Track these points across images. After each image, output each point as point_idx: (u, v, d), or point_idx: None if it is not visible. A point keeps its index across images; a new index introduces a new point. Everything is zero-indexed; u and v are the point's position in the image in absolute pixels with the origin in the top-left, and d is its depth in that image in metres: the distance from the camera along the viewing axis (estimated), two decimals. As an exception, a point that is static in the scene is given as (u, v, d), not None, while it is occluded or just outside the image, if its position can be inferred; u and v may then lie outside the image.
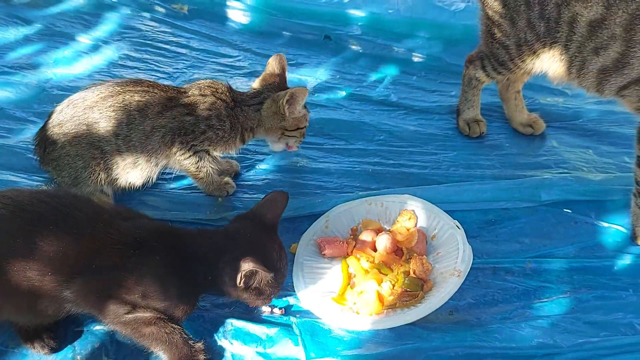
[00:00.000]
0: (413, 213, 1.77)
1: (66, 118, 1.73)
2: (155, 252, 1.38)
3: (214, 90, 1.80)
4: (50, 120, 1.76)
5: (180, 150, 1.75)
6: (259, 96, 1.83)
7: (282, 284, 1.50)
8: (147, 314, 1.36)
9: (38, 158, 1.81)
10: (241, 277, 1.38)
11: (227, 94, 1.81)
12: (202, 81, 1.82)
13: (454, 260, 1.61)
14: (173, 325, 1.40)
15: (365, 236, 1.72)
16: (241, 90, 1.87)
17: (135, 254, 1.36)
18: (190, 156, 1.77)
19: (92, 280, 1.33)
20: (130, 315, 1.35)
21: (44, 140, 1.77)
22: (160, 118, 1.72)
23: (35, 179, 1.87)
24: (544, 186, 1.91)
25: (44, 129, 1.78)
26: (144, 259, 1.36)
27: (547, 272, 1.69)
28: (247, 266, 1.36)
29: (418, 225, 1.75)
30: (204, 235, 1.48)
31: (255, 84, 1.88)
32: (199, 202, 1.87)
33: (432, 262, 1.65)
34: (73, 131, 1.72)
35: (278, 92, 1.80)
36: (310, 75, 2.44)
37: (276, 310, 1.56)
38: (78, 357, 1.44)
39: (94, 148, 1.72)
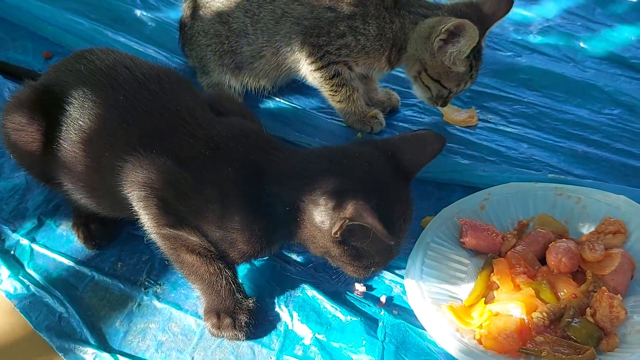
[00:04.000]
0: (624, 226, 1.13)
1: None
2: (228, 162, 1.01)
3: None
4: (194, -8, 1.50)
5: (311, 56, 1.34)
6: (432, 10, 1.32)
7: (394, 257, 1.03)
8: (193, 238, 1.02)
9: (180, 37, 1.58)
10: (341, 225, 0.93)
11: None
12: None
13: (670, 318, 0.96)
14: (221, 265, 1.04)
15: (536, 237, 1.14)
16: None
17: (205, 155, 1.02)
18: (323, 67, 1.35)
19: (145, 167, 1.02)
20: (171, 230, 1.02)
21: (185, 16, 1.53)
22: (295, 2, 1.33)
23: (177, 61, 1.65)
24: None
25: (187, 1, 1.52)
26: (213, 166, 1.01)
27: None
28: (352, 211, 0.91)
29: (628, 248, 1.11)
30: (302, 153, 1.07)
31: (451, 2, 1.37)
32: (334, 131, 1.47)
33: (629, 309, 1.02)
34: (207, 2, 1.44)
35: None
36: (537, 14, 1.81)
37: (382, 298, 1.11)
38: (119, 263, 1.18)
39: (220, 24, 1.42)
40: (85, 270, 1.16)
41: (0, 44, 1.72)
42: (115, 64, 1.11)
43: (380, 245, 0.98)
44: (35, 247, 1.19)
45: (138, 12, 1.83)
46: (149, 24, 1.80)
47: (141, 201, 1.02)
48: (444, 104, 1.39)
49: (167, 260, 1.09)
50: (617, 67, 1.63)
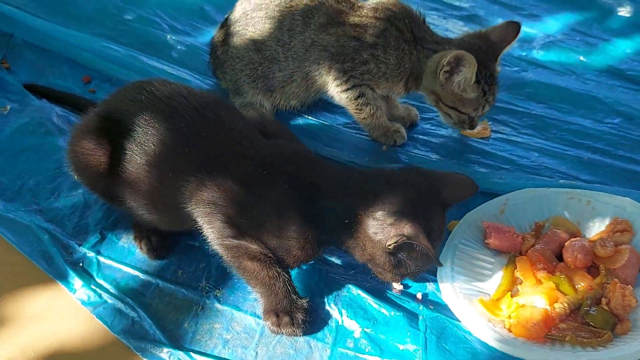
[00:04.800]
0: (631, 225, 1.27)
1: (236, 17, 1.59)
2: (284, 179, 1.15)
3: (392, 14, 1.47)
4: (226, 21, 1.64)
5: (337, 79, 1.48)
6: (441, 45, 1.46)
7: (425, 270, 1.19)
8: (254, 246, 1.15)
9: (212, 62, 1.71)
10: (398, 240, 1.09)
11: (407, 22, 1.47)
12: (384, 0, 1.50)
13: (675, 305, 1.11)
14: (279, 270, 1.17)
15: (552, 237, 1.28)
16: (430, 29, 1.52)
17: (262, 174, 1.16)
18: (348, 89, 1.49)
19: (208, 186, 1.15)
20: (234, 241, 1.15)
21: (217, 41, 1.67)
22: (323, 33, 1.47)
23: (209, 82, 1.78)
24: None
25: (219, 29, 1.66)
26: (269, 182, 1.15)
27: None
28: (410, 231, 1.09)
29: (635, 244, 1.25)
30: (357, 172, 1.22)
31: (461, 34, 1.53)
32: (360, 145, 1.60)
33: (639, 297, 1.16)
34: (240, 31, 1.57)
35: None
36: (539, 30, 1.96)
37: (419, 295, 1.24)
38: (180, 271, 1.30)
39: (254, 51, 1.55)
40: (150, 278, 1.27)
41: (40, 71, 1.82)
42: (173, 94, 1.23)
43: (419, 260, 1.13)
44: (101, 259, 1.31)
45: (167, 37, 1.94)
46: (179, 47, 1.91)
47: (206, 216, 1.15)
48: (471, 127, 1.52)
49: (227, 268, 1.21)
50: (615, 79, 1.77)
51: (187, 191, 1.16)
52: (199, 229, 1.18)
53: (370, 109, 1.52)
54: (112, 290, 1.25)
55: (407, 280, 1.25)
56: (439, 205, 1.16)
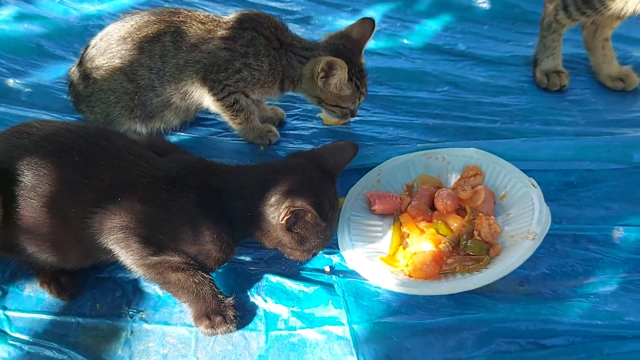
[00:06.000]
0: (479, 169, 1.53)
1: (99, 52, 1.59)
2: (189, 189, 1.22)
3: (257, 24, 1.59)
4: (84, 56, 1.63)
5: (213, 90, 1.57)
6: (311, 51, 1.61)
7: (329, 240, 1.31)
8: (175, 258, 1.20)
9: (72, 98, 1.69)
10: (286, 213, 1.19)
11: (272, 30, 1.60)
12: (247, 12, 1.62)
13: (527, 223, 1.37)
14: (203, 275, 1.23)
15: (423, 193, 1.50)
16: (297, 35, 1.66)
17: (167, 189, 1.21)
18: (224, 97, 1.58)
19: (117, 213, 1.18)
20: (155, 258, 1.19)
21: (76, 77, 1.65)
22: (195, 52, 1.55)
23: (69, 119, 1.74)
24: (637, 145, 1.63)
25: (77, 65, 1.65)
26: (176, 195, 1.21)
27: (638, 243, 1.42)
28: (295, 202, 1.19)
29: (485, 183, 1.51)
30: (249, 169, 1.31)
31: (324, 37, 1.68)
32: (239, 149, 1.70)
33: (500, 224, 1.42)
34: (106, 65, 1.58)
35: (332, 56, 1.55)
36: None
37: (326, 268, 1.38)
38: (97, 305, 1.30)
39: (127, 82, 1.58)
40: (69, 318, 1.26)
41: None
42: (58, 130, 1.23)
43: (317, 230, 1.25)
44: (10, 313, 1.26)
45: (11, 82, 1.86)
46: (25, 90, 1.85)
47: (121, 242, 1.18)
48: (353, 116, 1.69)
49: (147, 288, 1.25)
50: (436, 54, 2.08)
51: (95, 223, 1.18)
52: (115, 257, 1.21)
53: (245, 114, 1.63)
54: (31, 340, 1.22)
55: (318, 259, 1.37)
56: (328, 180, 1.29)
